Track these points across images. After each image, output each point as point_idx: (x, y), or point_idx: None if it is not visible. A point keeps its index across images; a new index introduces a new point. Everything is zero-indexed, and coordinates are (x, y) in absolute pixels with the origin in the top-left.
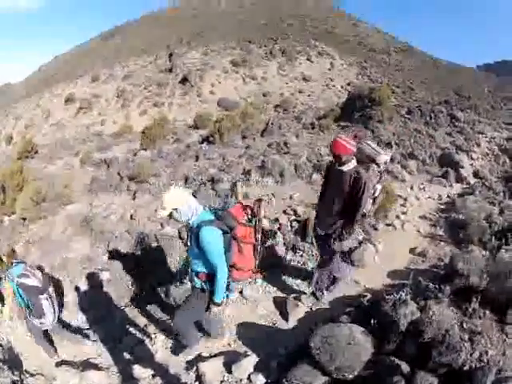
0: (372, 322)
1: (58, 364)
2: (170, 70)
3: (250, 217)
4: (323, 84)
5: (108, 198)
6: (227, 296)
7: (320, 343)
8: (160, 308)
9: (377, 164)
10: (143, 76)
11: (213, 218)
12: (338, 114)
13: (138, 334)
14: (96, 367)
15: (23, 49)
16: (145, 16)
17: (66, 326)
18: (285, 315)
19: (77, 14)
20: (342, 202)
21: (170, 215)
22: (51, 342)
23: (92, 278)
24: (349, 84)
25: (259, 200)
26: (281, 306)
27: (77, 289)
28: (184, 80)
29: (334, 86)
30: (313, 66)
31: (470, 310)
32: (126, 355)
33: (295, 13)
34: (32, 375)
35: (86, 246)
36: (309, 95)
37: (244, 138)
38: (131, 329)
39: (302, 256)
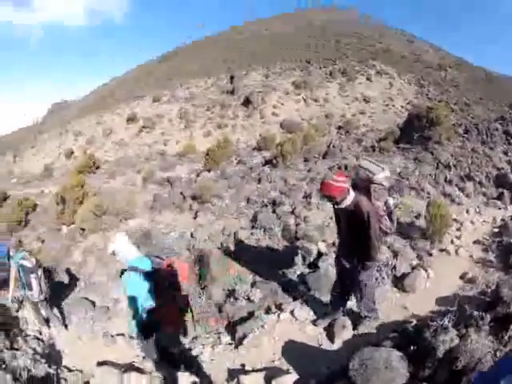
0: (412, 347)
1: (100, 363)
2: (232, 92)
3: None
4: (383, 104)
5: (170, 216)
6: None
7: (358, 365)
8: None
9: (378, 183)
10: (205, 97)
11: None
12: (398, 135)
13: (185, 342)
14: (139, 370)
15: (77, 68)
16: (204, 38)
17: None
18: (331, 336)
19: (127, 35)
20: (355, 235)
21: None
22: (40, 315)
23: None
24: (408, 103)
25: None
26: (328, 328)
27: None
28: (246, 102)
29: (393, 105)
30: (372, 86)
31: (506, 338)
32: (175, 363)
33: (348, 31)
34: (70, 371)
35: None
36: (370, 116)
37: (306, 160)
38: (180, 337)
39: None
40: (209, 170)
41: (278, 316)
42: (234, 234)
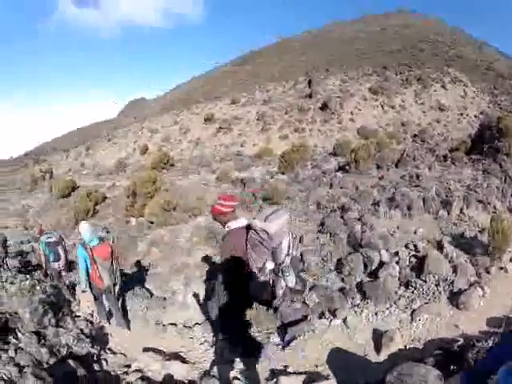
0: (453, 367)
1: (146, 349)
2: (310, 96)
3: None
4: (457, 113)
5: (239, 215)
6: None
7: (394, 379)
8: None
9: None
10: (284, 101)
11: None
12: (470, 145)
13: (231, 338)
14: (182, 360)
15: (154, 67)
16: (282, 40)
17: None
18: (378, 348)
19: (206, 36)
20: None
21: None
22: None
23: (207, 283)
24: (481, 113)
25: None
26: (376, 339)
27: (190, 291)
28: (324, 106)
29: (467, 114)
30: (447, 94)
31: None
32: (215, 355)
33: (422, 36)
34: (114, 353)
35: (208, 256)
36: (445, 125)
37: (379, 167)
38: (226, 333)
39: (412, 292)
40: (283, 173)
41: (330, 322)
42: (300, 237)
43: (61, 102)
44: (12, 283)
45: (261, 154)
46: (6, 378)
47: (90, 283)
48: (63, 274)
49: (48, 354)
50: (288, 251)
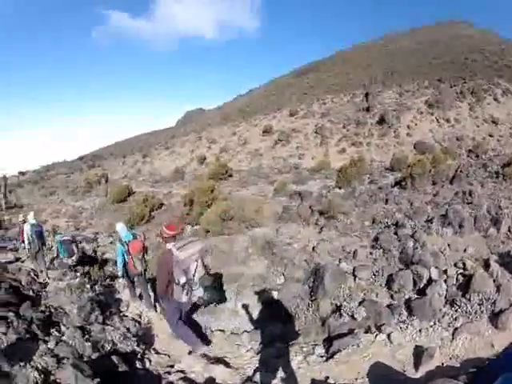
0: None
1: (191, 352)
2: (367, 110)
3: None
4: (510, 127)
5: (295, 228)
6: None
7: None
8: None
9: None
10: (341, 114)
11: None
12: None
13: (282, 348)
14: (226, 364)
15: (211, 78)
16: (338, 53)
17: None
18: (417, 364)
19: (264, 49)
20: None
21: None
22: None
23: (260, 293)
24: None
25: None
26: (417, 355)
27: (241, 299)
28: (381, 120)
29: None
30: (499, 107)
31: None
32: (259, 363)
33: (473, 47)
34: (158, 353)
35: (262, 267)
36: (498, 139)
37: (434, 183)
38: (278, 343)
39: (456, 311)
40: (340, 187)
41: (375, 337)
42: (354, 252)
43: (115, 111)
44: (61, 280)
45: (318, 168)
46: (40, 367)
47: (126, 271)
48: (78, 267)
49: (91, 348)
50: (194, 273)
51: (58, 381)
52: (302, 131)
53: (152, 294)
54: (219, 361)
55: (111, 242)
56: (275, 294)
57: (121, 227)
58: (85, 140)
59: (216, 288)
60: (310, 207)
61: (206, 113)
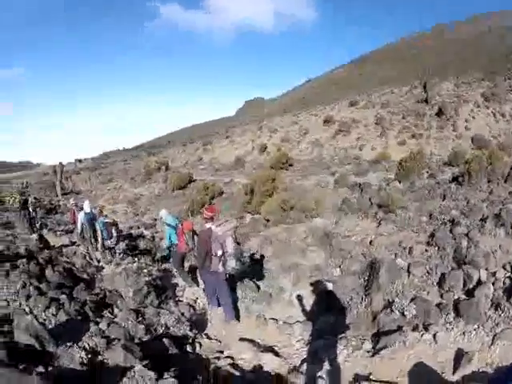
0: None
1: (242, 339)
2: (426, 101)
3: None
4: None
5: (354, 221)
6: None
7: None
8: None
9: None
10: (401, 105)
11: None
12: None
13: (331, 340)
14: (275, 353)
15: (269, 68)
16: (392, 44)
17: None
18: (455, 367)
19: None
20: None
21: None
22: (112, 255)
23: (316, 284)
24: None
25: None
26: (457, 358)
27: (296, 289)
28: (439, 112)
29: None
30: None
31: None
32: (308, 354)
33: None
34: (209, 338)
35: (320, 258)
36: None
37: (489, 181)
38: (328, 335)
39: (500, 315)
40: (399, 181)
41: (421, 336)
42: (410, 247)
43: (173, 103)
44: (118, 264)
45: (379, 159)
46: (88, 348)
47: (170, 251)
48: (116, 249)
49: (144, 330)
50: (230, 246)
51: (105, 361)
52: (362, 122)
53: None
54: (269, 349)
55: None
56: (330, 286)
57: (165, 213)
58: (144, 130)
59: (245, 261)
60: (369, 200)
61: (265, 102)
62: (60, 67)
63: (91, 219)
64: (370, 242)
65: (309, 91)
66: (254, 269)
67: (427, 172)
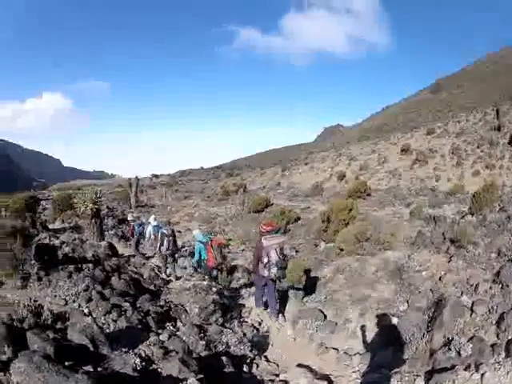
0: None
1: (300, 365)
2: (498, 129)
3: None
4: None
5: (426, 255)
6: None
7: None
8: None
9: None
10: (475, 133)
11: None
12: None
13: (386, 374)
14: (330, 382)
15: (348, 94)
16: (465, 68)
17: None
18: None
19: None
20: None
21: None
22: (166, 264)
23: (381, 317)
24: None
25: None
26: None
27: (362, 321)
28: (511, 140)
29: None
30: None
31: None
32: None
33: None
34: (268, 361)
35: (389, 291)
36: None
37: None
38: (384, 369)
39: None
40: (472, 214)
41: (471, 375)
42: (476, 285)
43: (250, 126)
44: (187, 280)
45: (453, 191)
46: (144, 355)
47: (199, 266)
48: (168, 259)
49: (204, 347)
50: (273, 257)
51: (159, 370)
52: (438, 151)
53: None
54: (324, 377)
55: (243, 250)
56: (395, 320)
57: (197, 232)
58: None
59: (285, 270)
60: (442, 234)
61: (344, 129)
62: (140, 84)
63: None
64: (440, 278)
65: (387, 118)
66: (321, 297)
67: (499, 205)
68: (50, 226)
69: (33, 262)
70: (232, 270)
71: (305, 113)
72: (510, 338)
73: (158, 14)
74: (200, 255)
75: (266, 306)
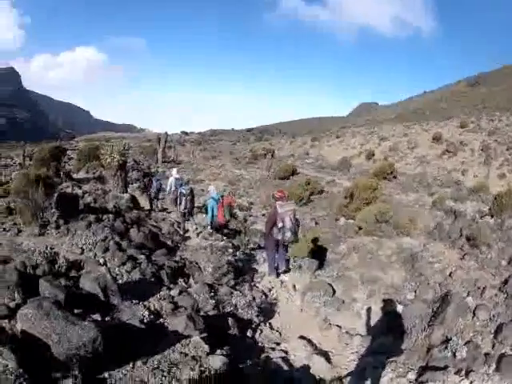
0: None
1: (301, 337)
2: None
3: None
4: None
5: (441, 247)
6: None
7: None
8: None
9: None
10: (507, 135)
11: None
12: None
13: (382, 361)
14: (327, 359)
15: (386, 74)
16: (508, 66)
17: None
18: None
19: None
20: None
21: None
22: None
23: (387, 303)
24: None
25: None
26: None
27: (369, 303)
28: None
29: None
30: None
31: None
32: (357, 367)
33: None
34: (271, 328)
35: (399, 277)
36: None
37: None
38: (381, 355)
39: None
40: (492, 216)
41: (460, 381)
42: (483, 288)
43: (286, 92)
44: (205, 238)
45: (478, 188)
46: (153, 308)
47: (211, 222)
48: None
49: (212, 306)
50: (287, 222)
51: (166, 324)
52: (468, 145)
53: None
54: (323, 354)
55: (263, 214)
56: (400, 308)
57: (213, 188)
58: (257, 115)
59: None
60: (460, 229)
61: (379, 108)
62: (179, 47)
63: (180, 185)
64: (450, 274)
65: (423, 104)
66: (335, 274)
67: None
68: (74, 176)
69: (53, 210)
70: (249, 232)
71: (342, 85)
72: (503, 351)
73: None
74: (212, 211)
75: (278, 274)
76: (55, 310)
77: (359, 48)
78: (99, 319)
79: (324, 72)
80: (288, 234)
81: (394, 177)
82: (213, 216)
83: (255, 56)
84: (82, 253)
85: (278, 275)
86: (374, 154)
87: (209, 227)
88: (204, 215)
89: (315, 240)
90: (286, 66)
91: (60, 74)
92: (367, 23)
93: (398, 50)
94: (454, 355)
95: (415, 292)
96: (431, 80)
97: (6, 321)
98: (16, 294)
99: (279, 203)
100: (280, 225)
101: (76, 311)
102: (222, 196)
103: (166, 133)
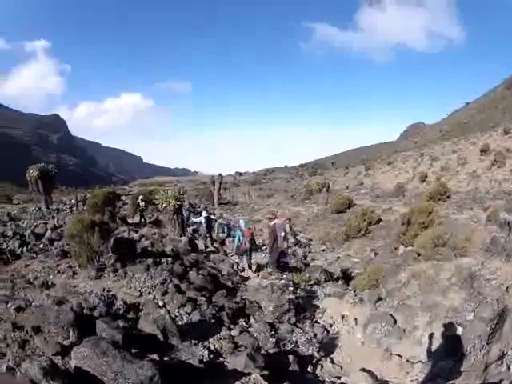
0: None
1: (362, 369)
2: None
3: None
4: None
5: (498, 263)
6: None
7: None
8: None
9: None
10: None
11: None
12: None
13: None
14: None
15: (427, 90)
16: None
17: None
18: None
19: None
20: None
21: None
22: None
23: (447, 326)
24: None
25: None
26: None
27: (430, 329)
28: None
29: None
30: None
31: None
32: None
33: None
34: (332, 362)
35: (459, 299)
36: None
37: None
38: (440, 379)
39: None
40: None
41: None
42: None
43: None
44: (265, 278)
45: None
46: (212, 348)
47: (237, 249)
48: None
49: (273, 344)
50: (288, 229)
51: (225, 363)
52: None
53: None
54: (384, 383)
55: (323, 250)
56: (460, 330)
57: (242, 221)
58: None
59: (297, 238)
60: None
61: (426, 127)
62: (219, 81)
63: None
64: (506, 289)
65: (466, 115)
66: (396, 303)
67: None
68: (130, 221)
69: (110, 254)
70: (309, 269)
71: (386, 110)
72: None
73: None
74: (239, 239)
75: (282, 269)
76: (112, 349)
77: (397, 67)
78: (157, 359)
79: (366, 98)
80: (291, 239)
81: (448, 196)
82: (238, 243)
83: (297, 90)
84: (140, 295)
85: (282, 271)
86: (426, 176)
87: (269, 267)
88: (263, 254)
89: (375, 272)
90: (329, 97)
91: (106, 121)
92: (401, 41)
93: (435, 64)
94: (509, 368)
95: (474, 312)
96: (471, 89)
97: (59, 357)
98: (71, 333)
99: (274, 222)
100: (282, 234)
101: (134, 351)
102: (249, 228)
103: (220, 174)
